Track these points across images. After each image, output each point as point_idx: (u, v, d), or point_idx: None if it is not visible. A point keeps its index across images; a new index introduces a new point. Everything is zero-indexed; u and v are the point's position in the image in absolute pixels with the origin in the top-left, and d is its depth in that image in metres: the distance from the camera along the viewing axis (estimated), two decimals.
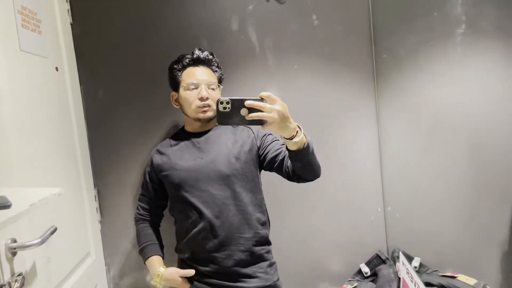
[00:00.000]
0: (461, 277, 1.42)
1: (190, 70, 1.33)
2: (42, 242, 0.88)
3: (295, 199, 1.64)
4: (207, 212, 1.24)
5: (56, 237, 0.98)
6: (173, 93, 1.38)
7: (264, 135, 1.33)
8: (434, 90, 1.51)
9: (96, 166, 1.56)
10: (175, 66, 1.35)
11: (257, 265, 1.28)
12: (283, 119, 0.94)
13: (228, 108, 0.95)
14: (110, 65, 1.55)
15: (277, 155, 1.24)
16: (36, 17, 1.15)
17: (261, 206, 1.32)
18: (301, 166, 1.10)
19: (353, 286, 1.57)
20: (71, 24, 1.49)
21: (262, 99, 0.93)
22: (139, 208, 1.43)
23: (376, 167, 1.66)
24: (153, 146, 1.45)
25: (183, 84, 1.32)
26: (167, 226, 1.44)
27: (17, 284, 0.83)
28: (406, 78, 1.58)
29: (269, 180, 1.37)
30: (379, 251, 1.65)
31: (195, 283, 1.28)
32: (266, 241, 1.32)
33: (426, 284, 1.43)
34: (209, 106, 1.30)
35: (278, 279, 1.32)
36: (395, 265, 1.57)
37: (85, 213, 1.43)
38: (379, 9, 1.59)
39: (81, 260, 1.34)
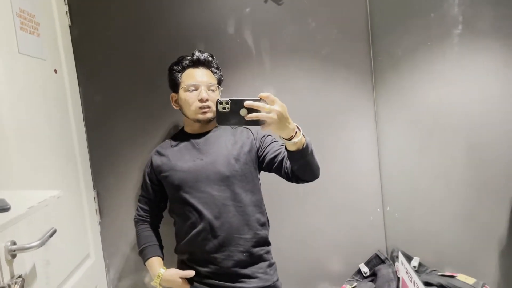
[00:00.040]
0: (460, 277, 1.42)
1: (190, 71, 1.33)
2: (42, 244, 0.89)
3: (294, 200, 1.64)
4: (206, 213, 1.24)
5: (55, 239, 0.98)
6: (173, 94, 1.38)
7: (264, 136, 1.33)
8: (432, 90, 1.52)
9: (95, 167, 1.56)
10: (174, 67, 1.35)
11: (256, 265, 1.28)
12: (282, 120, 0.94)
13: (228, 108, 0.95)
14: (108, 67, 1.56)
15: (276, 156, 1.24)
16: (34, 20, 1.16)
17: (260, 207, 1.33)
18: (300, 167, 1.11)
19: (353, 286, 1.57)
20: (70, 27, 1.49)
21: (261, 100, 0.94)
22: (139, 209, 1.43)
23: (375, 167, 1.67)
24: (152, 147, 1.46)
25: (183, 85, 1.32)
26: (167, 227, 1.45)
27: (17, 286, 0.84)
28: (404, 78, 1.58)
29: (269, 180, 1.37)
30: (378, 251, 1.65)
31: (195, 284, 1.29)
32: (265, 242, 1.32)
33: (425, 283, 1.43)
34: (209, 107, 1.30)
35: (277, 280, 1.32)
36: (394, 265, 1.58)
37: (84, 214, 1.43)
38: (377, 10, 1.60)
39: (81, 262, 1.34)
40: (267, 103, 0.93)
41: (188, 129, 1.40)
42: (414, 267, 1.55)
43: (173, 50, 1.47)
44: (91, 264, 1.41)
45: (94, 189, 1.56)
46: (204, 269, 1.27)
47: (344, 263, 1.67)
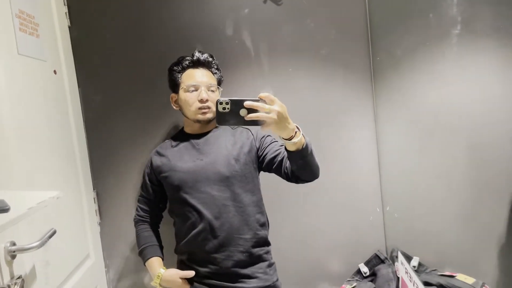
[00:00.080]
0: (460, 276, 1.42)
1: (190, 72, 1.33)
2: (41, 245, 0.89)
3: (294, 200, 1.64)
4: (206, 213, 1.25)
5: (55, 240, 0.98)
6: (173, 94, 1.39)
7: (263, 137, 1.33)
8: (432, 90, 1.52)
9: (95, 168, 1.56)
10: (174, 67, 1.35)
11: (256, 265, 1.28)
12: (282, 120, 0.94)
13: (228, 108, 0.95)
14: (108, 67, 1.56)
15: (276, 156, 1.24)
16: (34, 21, 1.16)
17: (260, 207, 1.33)
18: (300, 167, 1.11)
19: (352, 286, 1.58)
20: (69, 27, 1.49)
21: (261, 100, 0.94)
22: (139, 209, 1.43)
23: (374, 167, 1.67)
24: (152, 148, 1.46)
25: (182, 86, 1.32)
26: (167, 227, 1.45)
27: (17, 287, 0.84)
28: (403, 78, 1.58)
29: (269, 180, 1.37)
30: (378, 251, 1.65)
31: (195, 284, 1.29)
32: (265, 242, 1.32)
33: (425, 283, 1.43)
34: (208, 108, 1.30)
35: (277, 280, 1.32)
36: (394, 265, 1.58)
37: (84, 215, 1.43)
38: (376, 10, 1.60)
39: (81, 262, 1.34)
40: (266, 103, 0.93)
41: (188, 130, 1.40)
42: (414, 267, 1.56)
43: (173, 50, 1.47)
44: (91, 265, 1.41)
45: (94, 189, 1.56)
46: (204, 269, 1.27)
47: (343, 263, 1.67)
